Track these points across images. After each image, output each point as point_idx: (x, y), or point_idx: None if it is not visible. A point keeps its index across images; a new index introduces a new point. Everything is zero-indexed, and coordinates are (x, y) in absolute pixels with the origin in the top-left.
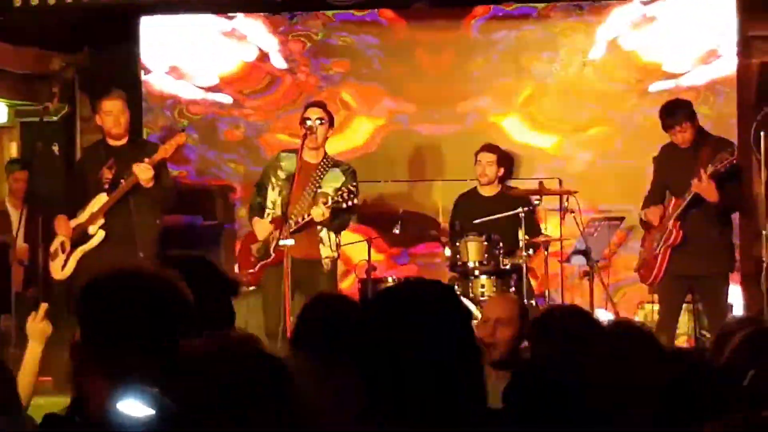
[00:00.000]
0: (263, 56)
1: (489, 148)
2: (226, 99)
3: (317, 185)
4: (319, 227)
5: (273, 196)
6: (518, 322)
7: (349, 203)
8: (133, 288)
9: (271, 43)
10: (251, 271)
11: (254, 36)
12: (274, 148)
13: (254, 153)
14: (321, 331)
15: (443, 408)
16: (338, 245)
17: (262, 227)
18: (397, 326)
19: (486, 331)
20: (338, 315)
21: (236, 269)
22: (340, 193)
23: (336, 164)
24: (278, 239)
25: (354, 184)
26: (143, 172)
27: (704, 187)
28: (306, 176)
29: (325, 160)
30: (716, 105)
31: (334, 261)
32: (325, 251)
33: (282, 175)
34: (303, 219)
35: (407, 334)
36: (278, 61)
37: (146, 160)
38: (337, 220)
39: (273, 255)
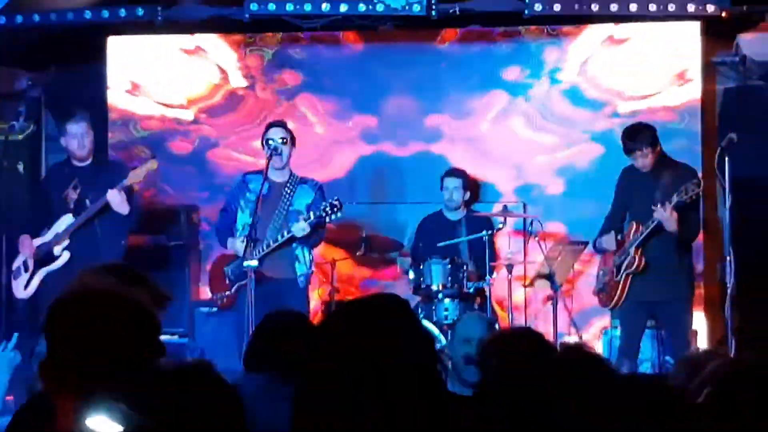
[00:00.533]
0: (223, 73)
1: (455, 172)
2: (184, 115)
3: (289, 203)
4: (294, 245)
5: (244, 218)
6: None
7: (332, 216)
8: (101, 305)
9: (230, 60)
10: (228, 293)
11: (215, 53)
12: (225, 162)
13: (204, 167)
14: (272, 350)
15: (431, 409)
16: (312, 261)
17: (240, 246)
18: (374, 333)
19: (472, 351)
20: (290, 332)
21: (208, 292)
22: (322, 207)
23: (303, 180)
24: (241, 261)
25: (336, 198)
26: (115, 197)
27: (666, 216)
28: (276, 196)
29: (292, 178)
30: (689, 124)
31: (308, 277)
32: (301, 268)
33: (251, 196)
34: (282, 237)
35: (384, 341)
36: (237, 79)
37: (117, 187)
38: (315, 236)
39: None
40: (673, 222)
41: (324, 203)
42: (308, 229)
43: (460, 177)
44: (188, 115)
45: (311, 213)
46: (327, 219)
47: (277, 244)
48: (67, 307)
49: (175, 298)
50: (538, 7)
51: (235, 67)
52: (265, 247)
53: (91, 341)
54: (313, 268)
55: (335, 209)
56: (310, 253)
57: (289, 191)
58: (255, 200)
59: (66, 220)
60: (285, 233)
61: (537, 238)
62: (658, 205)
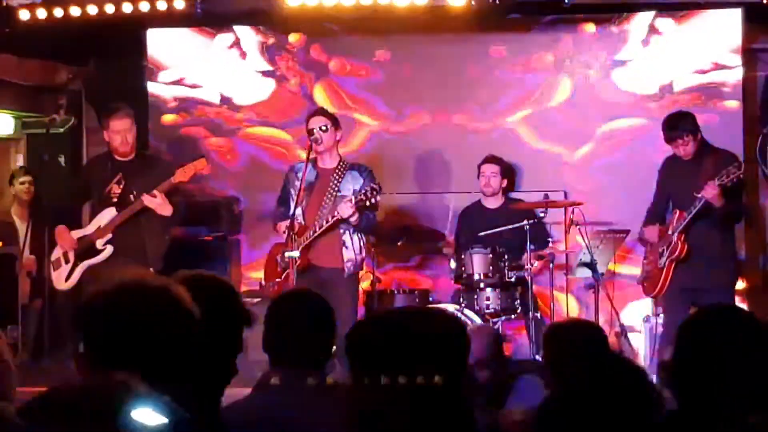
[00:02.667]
0: (257, 64)
1: (492, 159)
2: (219, 104)
3: (336, 189)
4: (342, 230)
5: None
6: (493, 362)
7: (372, 200)
8: (136, 303)
9: (264, 50)
10: (278, 280)
11: (251, 44)
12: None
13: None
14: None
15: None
16: (363, 247)
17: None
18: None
19: None
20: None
21: (262, 281)
22: (363, 191)
23: (352, 166)
24: (284, 251)
25: (376, 182)
26: (154, 202)
27: (714, 194)
28: (324, 182)
29: (341, 164)
30: (730, 110)
31: (356, 264)
32: (348, 254)
33: (299, 185)
34: (328, 221)
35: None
36: (268, 67)
37: (158, 188)
38: (364, 220)
39: (298, 260)
40: (720, 199)
41: (364, 188)
42: (352, 210)
43: (497, 164)
44: (225, 104)
45: (353, 196)
46: (367, 202)
47: (323, 228)
48: (102, 303)
49: None
50: None
51: (269, 56)
52: (311, 234)
53: (125, 339)
54: (364, 254)
55: (374, 192)
56: (360, 239)
57: (337, 177)
58: (305, 188)
59: (109, 214)
60: (330, 218)
61: (578, 227)
62: (705, 186)
